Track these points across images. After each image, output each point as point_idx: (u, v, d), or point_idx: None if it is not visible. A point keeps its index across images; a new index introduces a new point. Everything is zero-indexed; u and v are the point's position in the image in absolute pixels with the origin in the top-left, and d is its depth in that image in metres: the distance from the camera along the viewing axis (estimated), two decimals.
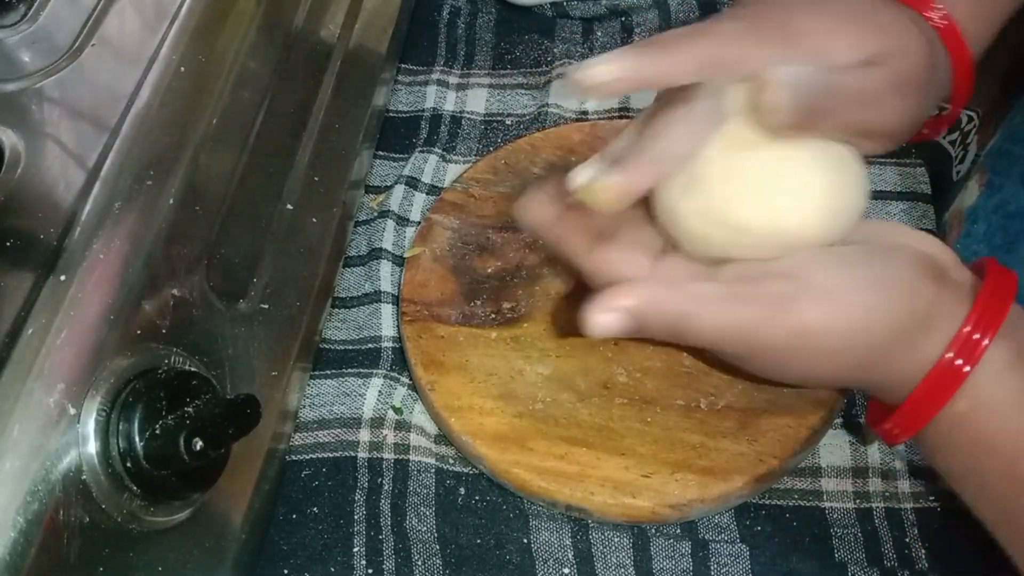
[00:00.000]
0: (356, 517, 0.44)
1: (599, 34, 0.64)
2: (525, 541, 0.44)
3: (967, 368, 0.35)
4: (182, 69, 0.41)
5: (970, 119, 0.58)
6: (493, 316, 0.49)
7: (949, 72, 0.42)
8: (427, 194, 0.56)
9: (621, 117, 0.59)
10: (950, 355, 0.35)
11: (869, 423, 0.41)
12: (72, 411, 0.32)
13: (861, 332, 0.36)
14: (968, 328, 0.35)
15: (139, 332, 0.35)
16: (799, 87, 0.36)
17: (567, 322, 0.43)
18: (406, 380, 0.49)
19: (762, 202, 0.38)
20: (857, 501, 0.44)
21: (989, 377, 0.35)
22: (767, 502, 0.45)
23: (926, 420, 0.36)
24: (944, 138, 0.60)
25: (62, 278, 0.33)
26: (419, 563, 0.43)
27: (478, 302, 0.50)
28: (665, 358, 0.47)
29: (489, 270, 0.51)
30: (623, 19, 0.64)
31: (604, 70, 0.35)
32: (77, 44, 0.42)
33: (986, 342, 0.35)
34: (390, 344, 0.50)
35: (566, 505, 0.44)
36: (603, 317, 0.37)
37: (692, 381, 0.46)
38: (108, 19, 0.43)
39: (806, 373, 0.39)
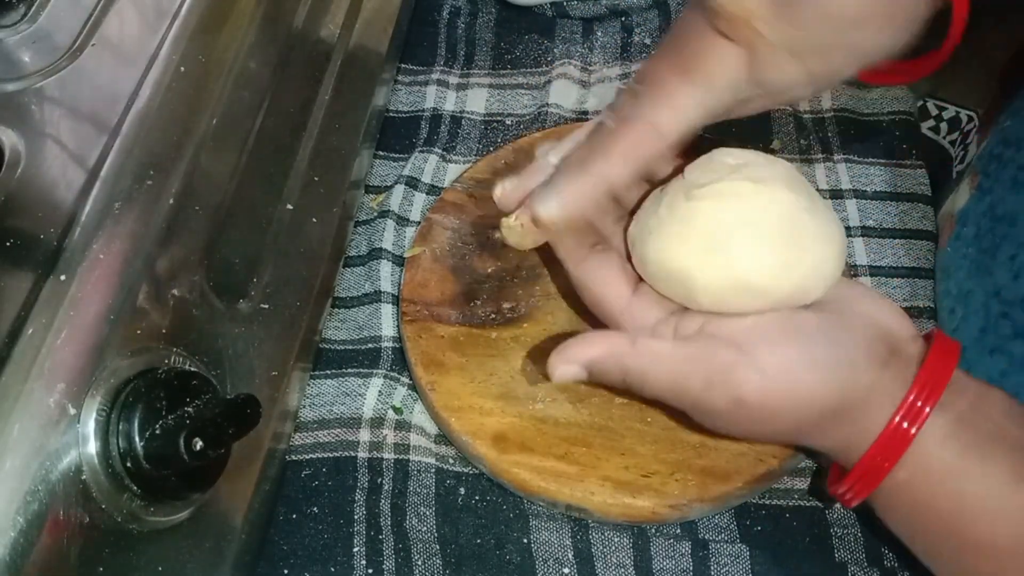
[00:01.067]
0: (356, 517, 0.44)
1: (599, 34, 0.64)
2: (525, 541, 0.44)
3: (913, 431, 0.37)
4: (182, 69, 0.41)
5: (970, 119, 0.58)
6: (493, 316, 0.49)
7: None
8: (427, 194, 0.56)
9: None
10: (897, 419, 0.37)
11: (828, 486, 0.42)
12: (72, 411, 0.32)
13: (792, 410, 0.38)
14: (912, 396, 0.37)
15: (139, 332, 0.35)
16: None
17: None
18: (406, 380, 0.49)
19: (720, 262, 0.39)
20: None
21: (929, 447, 0.37)
22: (767, 502, 0.45)
23: (876, 483, 0.38)
24: (944, 138, 0.60)
25: (62, 278, 0.33)
26: (419, 563, 0.43)
27: (478, 302, 0.50)
28: None
29: (489, 270, 0.51)
30: (623, 19, 0.64)
31: (550, 208, 0.39)
32: (77, 44, 0.42)
33: (928, 409, 0.37)
34: (390, 344, 0.50)
35: (566, 505, 0.44)
36: (564, 368, 0.40)
37: None
38: (108, 19, 0.43)
39: (747, 434, 0.42)
